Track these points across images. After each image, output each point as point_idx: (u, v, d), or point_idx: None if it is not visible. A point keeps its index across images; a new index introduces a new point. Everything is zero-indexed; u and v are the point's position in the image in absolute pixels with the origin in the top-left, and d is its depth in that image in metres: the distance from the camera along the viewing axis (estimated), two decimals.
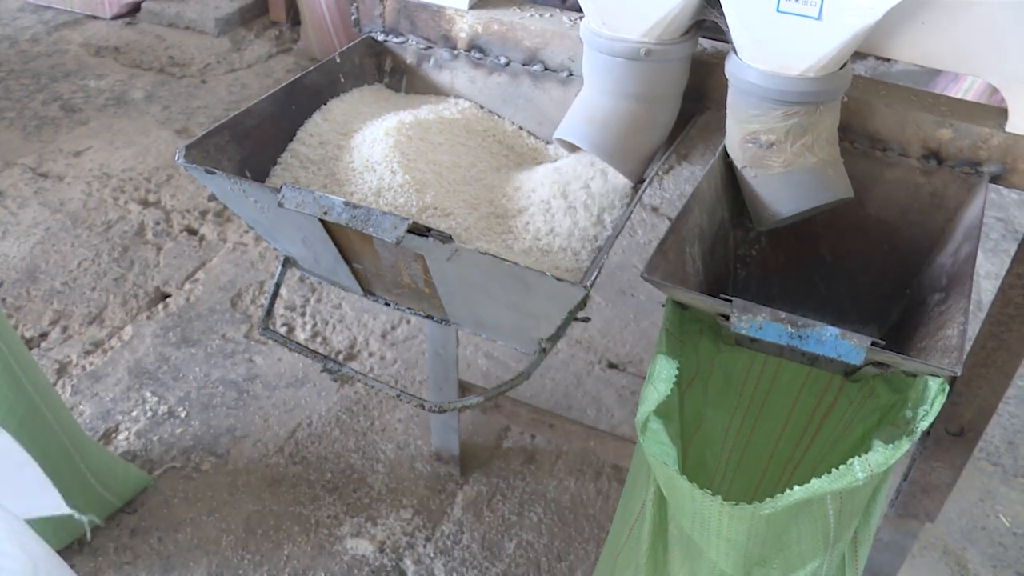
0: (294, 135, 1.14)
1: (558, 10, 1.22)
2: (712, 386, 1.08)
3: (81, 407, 1.96)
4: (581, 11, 1.06)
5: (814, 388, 1.06)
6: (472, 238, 1.02)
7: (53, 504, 1.03)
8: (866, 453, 0.79)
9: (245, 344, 2.16)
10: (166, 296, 2.29)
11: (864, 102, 1.03)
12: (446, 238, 0.85)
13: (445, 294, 1.00)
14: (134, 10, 3.73)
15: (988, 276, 2.42)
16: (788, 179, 0.99)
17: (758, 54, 0.93)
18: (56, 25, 3.63)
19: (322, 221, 0.94)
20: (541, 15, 1.20)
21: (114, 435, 1.90)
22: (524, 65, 1.20)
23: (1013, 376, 1.09)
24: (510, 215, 1.06)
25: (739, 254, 1.15)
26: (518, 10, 1.21)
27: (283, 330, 2.20)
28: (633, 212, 1.01)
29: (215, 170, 0.97)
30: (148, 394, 2.00)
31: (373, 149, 1.08)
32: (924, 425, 0.83)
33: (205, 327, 2.20)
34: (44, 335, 2.16)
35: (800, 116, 0.94)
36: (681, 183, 2.76)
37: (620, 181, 1.08)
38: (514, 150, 1.22)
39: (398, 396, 1.00)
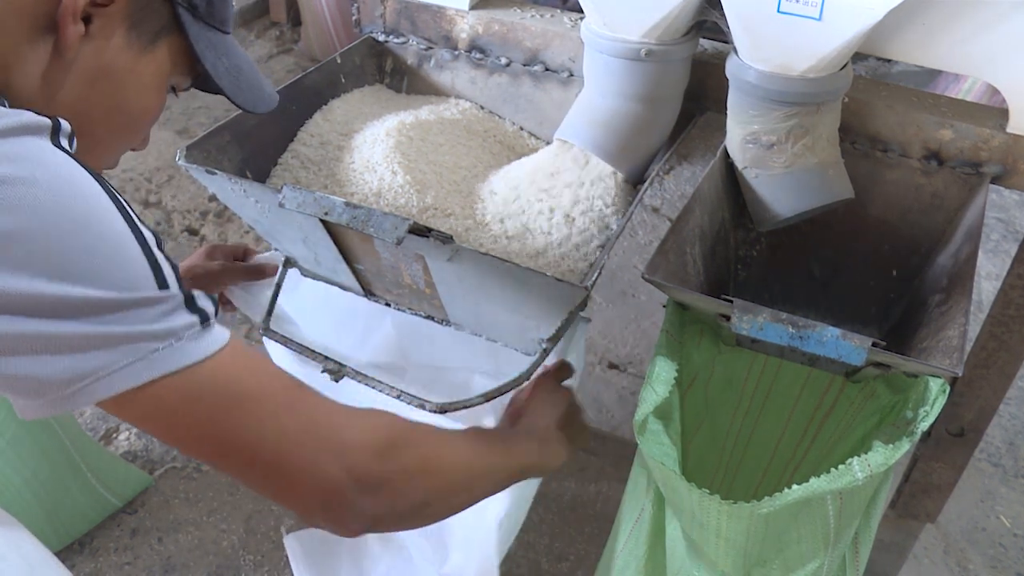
0: (295, 135, 1.14)
1: (559, 11, 1.22)
2: (712, 387, 1.08)
3: None
4: (582, 12, 1.06)
5: (814, 389, 1.06)
6: (473, 238, 1.02)
7: None
8: (866, 453, 0.79)
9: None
10: None
11: (865, 103, 1.03)
12: (447, 238, 0.85)
13: (445, 294, 1.00)
14: None
15: (989, 277, 2.42)
16: (789, 179, 0.99)
17: (759, 54, 0.93)
18: None
19: (323, 221, 0.94)
20: (542, 16, 1.20)
21: (115, 435, 1.90)
22: (525, 66, 1.20)
23: (1014, 377, 1.10)
24: (509, 215, 1.06)
25: (740, 255, 1.15)
26: (519, 11, 1.21)
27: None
28: (634, 213, 1.01)
29: (216, 170, 0.97)
30: None
31: (374, 149, 1.08)
32: (924, 426, 0.83)
33: None
34: None
35: (801, 116, 0.94)
36: (682, 183, 2.76)
37: (618, 179, 1.07)
38: (515, 151, 1.21)
39: (399, 397, 1.00)
